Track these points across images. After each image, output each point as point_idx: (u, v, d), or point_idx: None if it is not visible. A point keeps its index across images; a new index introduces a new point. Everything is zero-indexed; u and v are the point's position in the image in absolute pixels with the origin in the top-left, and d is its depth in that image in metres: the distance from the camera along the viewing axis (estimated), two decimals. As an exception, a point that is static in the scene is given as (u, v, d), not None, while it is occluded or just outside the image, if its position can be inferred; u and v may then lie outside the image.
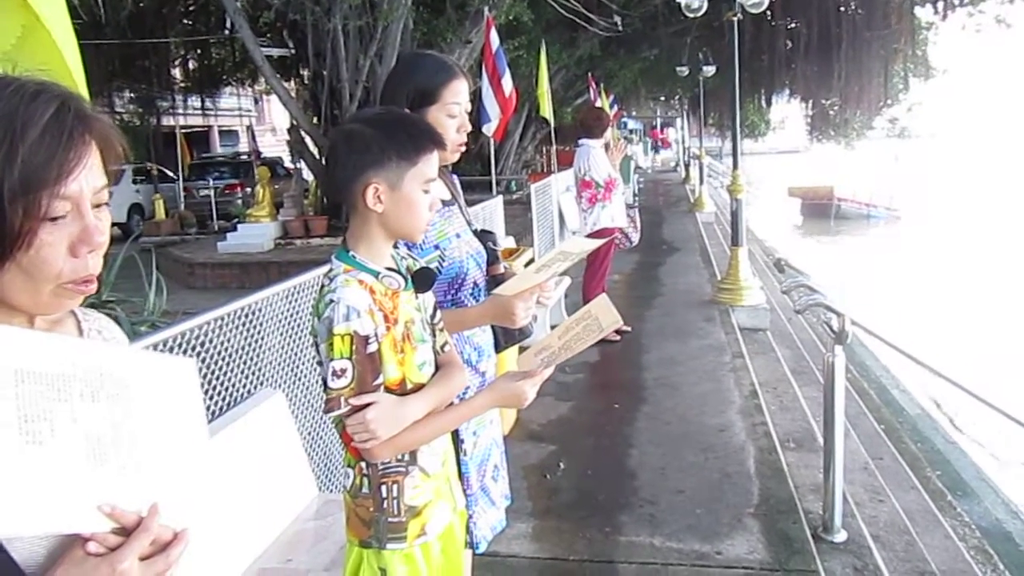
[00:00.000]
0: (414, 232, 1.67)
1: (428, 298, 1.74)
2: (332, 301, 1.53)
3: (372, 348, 1.54)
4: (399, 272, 1.66)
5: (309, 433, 3.21)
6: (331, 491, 3.25)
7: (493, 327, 2.13)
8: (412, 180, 1.60)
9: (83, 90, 2.11)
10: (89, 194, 0.95)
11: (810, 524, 3.52)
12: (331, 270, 1.62)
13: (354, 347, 1.51)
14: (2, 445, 0.86)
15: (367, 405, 1.53)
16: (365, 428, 1.52)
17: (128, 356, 1.10)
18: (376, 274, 1.61)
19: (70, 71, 2.09)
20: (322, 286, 1.61)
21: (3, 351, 0.89)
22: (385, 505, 1.64)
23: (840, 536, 3.47)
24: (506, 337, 2.13)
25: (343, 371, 1.52)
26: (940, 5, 19.75)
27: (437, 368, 1.72)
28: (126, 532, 0.93)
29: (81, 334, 1.11)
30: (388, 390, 1.59)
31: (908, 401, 6.94)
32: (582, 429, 4.88)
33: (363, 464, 1.65)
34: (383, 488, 1.64)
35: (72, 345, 1.04)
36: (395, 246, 1.72)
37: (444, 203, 1.99)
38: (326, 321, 1.53)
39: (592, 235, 5.95)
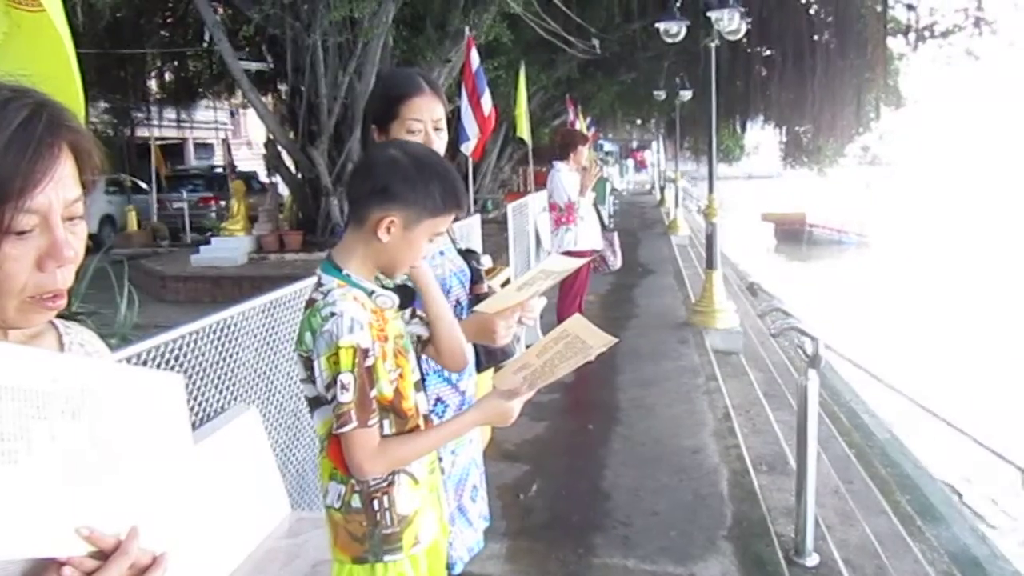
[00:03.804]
0: (399, 271, 1.70)
1: (404, 313, 1.75)
2: (334, 314, 1.52)
3: (370, 362, 1.55)
4: (391, 289, 1.67)
5: (282, 450, 3.18)
6: (304, 509, 3.21)
7: (475, 346, 2.11)
8: (425, 228, 1.63)
9: (80, 95, 2.11)
10: (59, 207, 0.91)
11: (782, 547, 3.53)
12: (322, 285, 1.62)
13: (356, 360, 1.52)
14: None
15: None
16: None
17: (112, 371, 1.08)
18: (369, 293, 1.62)
19: (71, 73, 2.08)
20: (312, 300, 1.60)
21: None
22: (379, 518, 1.64)
23: (812, 560, 3.49)
24: (488, 356, 2.11)
25: (349, 384, 1.52)
26: (911, 36, 20.19)
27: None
28: (104, 556, 0.90)
29: (62, 348, 1.07)
30: (380, 406, 1.59)
31: (877, 425, 7.01)
32: (556, 449, 4.87)
33: (355, 480, 1.63)
34: (375, 502, 1.63)
35: (53, 359, 1.00)
36: None
37: None
38: (326, 334, 1.52)
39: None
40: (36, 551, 0.87)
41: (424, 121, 2.01)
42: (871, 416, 7.24)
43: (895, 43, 20.79)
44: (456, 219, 1.75)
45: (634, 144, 49.94)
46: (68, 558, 0.88)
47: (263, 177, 20.89)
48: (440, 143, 2.03)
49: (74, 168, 0.93)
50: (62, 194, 0.91)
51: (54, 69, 2.14)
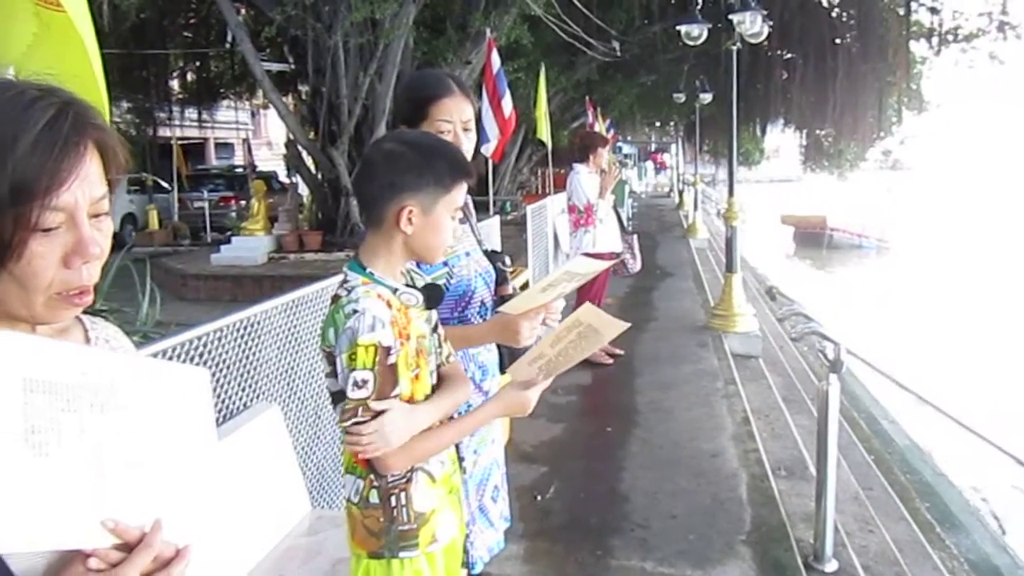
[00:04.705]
0: (434, 255, 1.71)
1: (433, 312, 1.75)
2: (356, 311, 1.53)
3: (392, 360, 1.55)
4: (415, 288, 1.68)
5: (303, 448, 3.20)
6: (323, 507, 3.23)
7: (499, 347, 2.12)
8: (444, 206, 1.64)
9: (103, 94, 2.14)
10: (85, 204, 0.92)
11: (801, 553, 3.51)
12: (347, 282, 1.63)
13: (377, 358, 1.52)
14: (7, 457, 0.84)
15: (380, 413, 1.53)
16: (380, 434, 1.52)
17: (139, 365, 1.09)
18: (394, 290, 1.63)
19: (93, 73, 2.12)
20: (337, 296, 1.62)
21: (11, 359, 0.88)
22: (395, 514, 1.65)
23: (831, 566, 3.47)
24: (511, 357, 2.11)
25: (364, 382, 1.52)
26: (935, 40, 20.02)
27: (439, 380, 1.74)
28: (128, 548, 0.91)
29: (88, 343, 1.08)
30: None
31: (897, 432, 6.96)
32: (574, 451, 4.87)
33: (373, 475, 1.64)
34: (392, 498, 1.64)
35: (82, 353, 1.02)
36: None
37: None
38: (348, 331, 1.53)
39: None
40: (63, 543, 0.88)
41: (454, 122, 2.03)
42: (891, 422, 7.20)
43: (918, 47, 20.64)
44: (470, 190, 1.75)
45: (653, 147, 49.82)
46: (93, 550, 0.89)
47: (283, 177, 21.00)
48: (469, 144, 2.05)
49: (100, 166, 0.95)
50: (88, 192, 0.92)
51: (79, 69, 2.17)
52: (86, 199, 0.92)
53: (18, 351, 0.89)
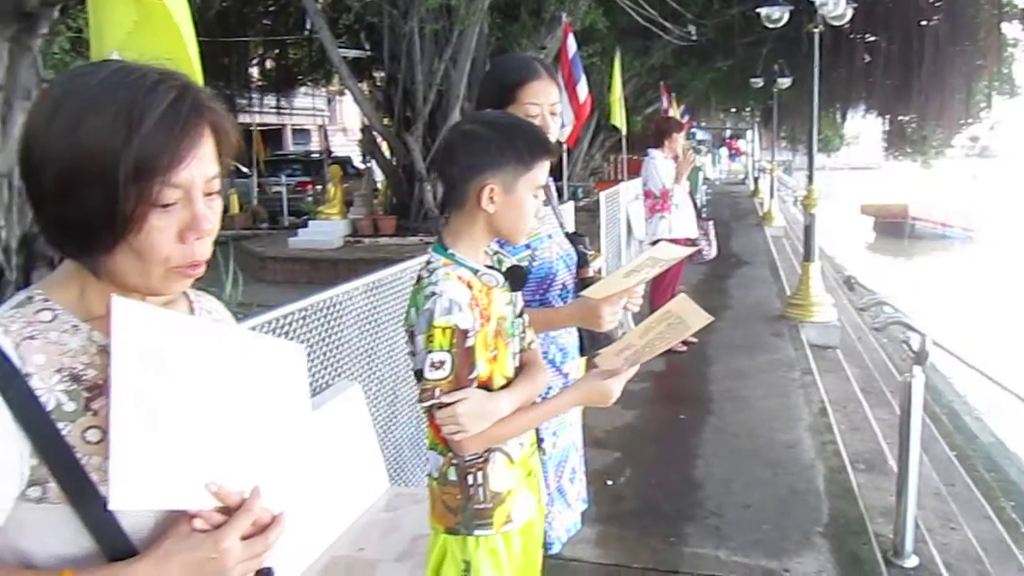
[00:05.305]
0: (518, 235, 1.71)
1: (517, 296, 1.76)
2: (434, 293, 1.55)
3: (470, 342, 1.56)
4: (496, 269, 1.69)
5: (381, 427, 3.27)
6: (401, 484, 3.30)
7: (580, 330, 2.13)
8: (525, 185, 1.64)
9: (200, 81, 2.22)
10: (200, 183, 0.97)
11: (880, 547, 3.44)
12: (430, 263, 1.65)
13: (455, 340, 1.54)
14: (121, 422, 0.90)
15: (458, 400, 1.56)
16: (455, 421, 1.55)
17: (241, 338, 1.14)
18: (475, 271, 1.64)
19: (190, 60, 2.19)
20: (419, 278, 1.64)
21: (129, 326, 0.93)
22: (472, 492, 1.67)
23: (911, 561, 3.40)
24: (592, 341, 2.11)
25: (441, 363, 1.54)
26: (1029, 21, 19.12)
27: (520, 366, 1.75)
28: (228, 512, 0.96)
29: (192, 314, 1.13)
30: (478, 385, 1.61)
31: (982, 428, 6.74)
32: (647, 438, 4.85)
33: (452, 453, 1.67)
34: (469, 476, 1.67)
35: (192, 324, 1.08)
36: None
37: None
38: (426, 313, 1.55)
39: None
40: (171, 503, 0.94)
41: (542, 105, 2.05)
42: (975, 418, 6.97)
43: (1010, 28, 19.71)
44: (551, 174, 1.75)
45: (727, 133, 48.96)
46: (198, 511, 0.95)
47: (358, 162, 21.31)
48: (555, 127, 2.07)
49: (214, 147, 1.00)
50: (203, 171, 0.97)
51: (177, 55, 2.25)
52: (202, 178, 0.97)
53: (135, 319, 0.94)
